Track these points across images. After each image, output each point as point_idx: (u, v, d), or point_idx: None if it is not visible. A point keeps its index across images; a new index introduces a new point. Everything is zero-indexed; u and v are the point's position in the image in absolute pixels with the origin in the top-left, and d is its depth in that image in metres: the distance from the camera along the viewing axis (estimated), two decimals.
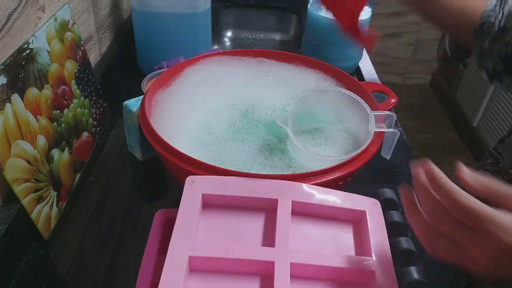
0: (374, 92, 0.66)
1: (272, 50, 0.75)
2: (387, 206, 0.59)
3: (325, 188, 0.48)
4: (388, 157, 0.57)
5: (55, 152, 0.60)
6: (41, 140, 0.57)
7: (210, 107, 0.64)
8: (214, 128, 0.60)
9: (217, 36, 1.22)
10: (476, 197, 0.34)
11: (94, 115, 0.73)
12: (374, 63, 1.04)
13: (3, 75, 0.50)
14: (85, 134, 0.70)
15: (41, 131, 0.57)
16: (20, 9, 0.56)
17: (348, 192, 0.49)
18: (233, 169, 0.49)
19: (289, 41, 1.29)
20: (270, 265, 0.41)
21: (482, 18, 0.59)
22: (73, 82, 0.67)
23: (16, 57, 0.53)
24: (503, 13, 0.58)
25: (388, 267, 0.43)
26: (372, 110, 0.57)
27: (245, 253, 0.42)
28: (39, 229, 0.55)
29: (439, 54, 2.50)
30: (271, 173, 0.53)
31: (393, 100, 0.64)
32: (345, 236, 0.47)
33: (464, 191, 0.34)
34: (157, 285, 0.38)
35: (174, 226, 0.43)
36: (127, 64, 0.97)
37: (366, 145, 0.54)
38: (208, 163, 0.49)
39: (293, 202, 0.47)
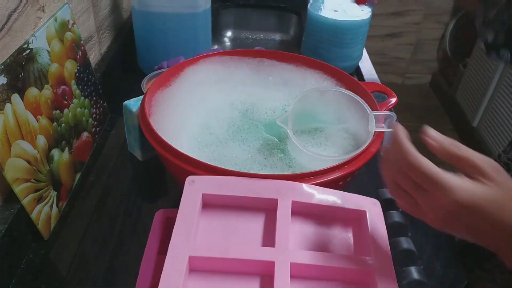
0: (374, 92, 0.66)
1: (272, 50, 0.75)
2: (387, 206, 0.59)
3: (325, 188, 0.48)
4: None
5: (55, 152, 0.60)
6: (41, 140, 0.57)
7: (210, 107, 0.64)
8: (214, 128, 0.60)
9: (217, 36, 1.22)
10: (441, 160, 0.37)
11: (94, 115, 0.73)
12: (374, 63, 1.04)
13: (3, 75, 0.50)
14: (85, 134, 0.70)
15: (41, 131, 0.57)
16: (20, 9, 0.56)
17: (348, 192, 0.49)
18: (233, 169, 0.49)
19: (289, 41, 1.29)
20: (270, 265, 0.41)
21: None
22: (73, 82, 0.67)
23: (16, 57, 0.53)
24: None
25: (388, 267, 0.43)
26: (372, 110, 0.57)
27: (245, 253, 0.42)
28: (39, 229, 0.55)
29: (439, 54, 2.50)
30: (271, 173, 0.53)
31: (393, 100, 0.64)
32: (345, 236, 0.47)
33: (418, 154, 0.37)
34: (157, 285, 0.38)
35: (174, 226, 0.43)
36: (127, 64, 0.97)
37: (366, 145, 0.54)
38: (208, 163, 0.49)
39: (293, 202, 0.47)
